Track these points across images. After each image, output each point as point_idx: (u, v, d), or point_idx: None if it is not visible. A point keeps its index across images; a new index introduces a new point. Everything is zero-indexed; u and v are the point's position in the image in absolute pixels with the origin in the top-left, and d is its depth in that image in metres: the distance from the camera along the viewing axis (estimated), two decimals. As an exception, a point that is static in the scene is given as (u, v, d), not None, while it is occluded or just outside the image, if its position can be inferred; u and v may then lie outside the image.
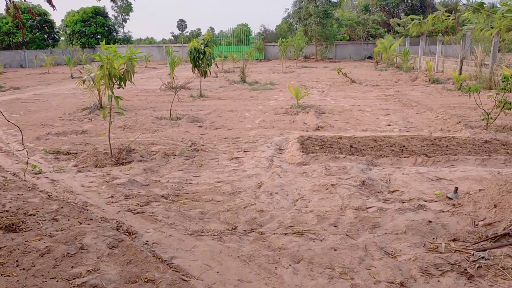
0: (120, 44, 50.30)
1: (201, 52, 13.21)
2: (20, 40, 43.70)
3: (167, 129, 8.85)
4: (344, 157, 6.35)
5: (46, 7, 51.40)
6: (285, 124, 9.39)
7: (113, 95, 6.44)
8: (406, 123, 9.19)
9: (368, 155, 6.50)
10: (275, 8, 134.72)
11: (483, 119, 8.21)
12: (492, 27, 4.73)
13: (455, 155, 6.39)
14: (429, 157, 6.28)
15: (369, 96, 13.68)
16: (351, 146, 7.08)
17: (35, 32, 45.30)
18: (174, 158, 6.66)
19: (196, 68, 13.42)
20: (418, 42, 29.93)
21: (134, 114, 10.64)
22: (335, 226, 4.08)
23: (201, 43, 13.29)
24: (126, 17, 53.40)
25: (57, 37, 48.65)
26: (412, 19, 5.56)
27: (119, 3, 52.77)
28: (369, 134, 8.05)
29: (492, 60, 14.96)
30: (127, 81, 6.75)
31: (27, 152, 6.25)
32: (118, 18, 53.62)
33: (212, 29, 73.96)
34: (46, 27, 46.51)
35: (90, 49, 47.44)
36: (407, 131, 8.30)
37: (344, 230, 4.00)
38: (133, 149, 7.01)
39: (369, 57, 41.72)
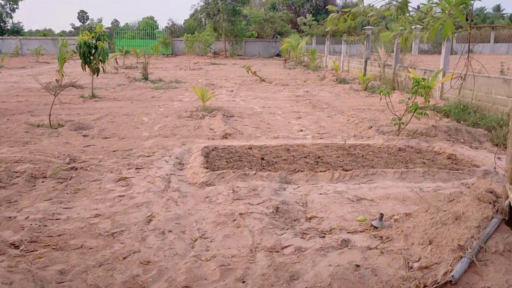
0: (8, 35, 45.17)
1: (92, 46, 11.56)
2: None
3: (43, 140, 7.28)
4: (255, 173, 5.45)
5: None
6: (189, 130, 8.30)
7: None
8: (318, 127, 8.58)
9: (281, 169, 5.68)
10: (184, 2, 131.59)
11: (394, 124, 7.85)
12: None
13: (372, 167, 5.82)
14: (346, 170, 5.62)
15: (279, 97, 13.06)
16: (262, 159, 6.21)
17: None
18: (43, 182, 5.25)
19: (86, 65, 11.74)
20: (324, 41, 30.45)
21: (6, 121, 8.81)
22: (243, 282, 3.12)
23: (92, 37, 11.64)
24: (15, 6, 47.98)
25: None
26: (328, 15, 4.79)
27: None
28: (281, 142, 7.27)
29: (395, 61, 15.19)
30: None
31: None
32: (6, 7, 48.06)
33: (116, 21, 69.92)
34: None
35: (-30, 39, 41.87)
36: (321, 137, 7.67)
37: (255, 287, 3.06)
38: (-12, 171, 5.45)
39: (278, 55, 41.91)
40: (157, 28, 44.53)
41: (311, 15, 44.48)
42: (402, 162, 6.09)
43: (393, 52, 17.23)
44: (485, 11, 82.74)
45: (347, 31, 40.15)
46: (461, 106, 9.79)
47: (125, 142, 7.32)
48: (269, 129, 8.54)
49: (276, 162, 6.06)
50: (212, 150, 6.75)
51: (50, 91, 8.34)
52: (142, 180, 5.39)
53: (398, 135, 7.67)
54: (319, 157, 6.29)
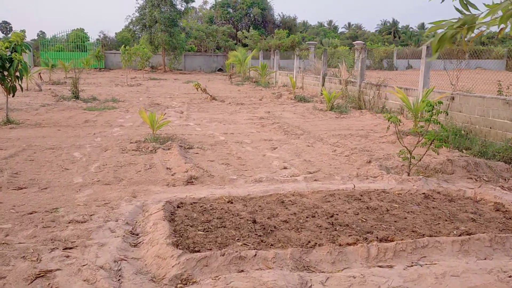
0: None
1: (6, 59, 9.10)
2: None
3: None
4: (255, 254, 3.57)
5: None
6: (138, 172, 6.23)
7: None
8: (304, 163, 6.86)
9: (289, 242, 3.86)
10: (115, 14, 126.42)
11: (403, 159, 6.29)
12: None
13: (413, 231, 4.18)
14: (384, 241, 3.91)
15: (239, 119, 11.24)
16: (254, 221, 4.34)
17: None
18: None
19: (-2, 83, 9.24)
20: (269, 56, 29.20)
21: None
22: None
23: (6, 47, 9.19)
24: None
25: None
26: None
27: None
28: (268, 189, 5.44)
29: (361, 78, 13.98)
30: None
31: None
32: None
33: (42, 33, 64.92)
34: None
35: None
36: (315, 179, 5.93)
37: None
38: None
39: (220, 70, 40.25)
40: (88, 40, 41.17)
41: (254, 28, 43.41)
42: (445, 220, 4.49)
43: (351, 67, 16.15)
44: (410, 29, 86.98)
45: (290, 45, 39.56)
46: (454, 131, 8.57)
47: (49, 196, 5.12)
48: (243, 166, 6.68)
49: (275, 227, 4.21)
50: (178, 207, 4.78)
51: None
52: (74, 275, 3.32)
53: (408, 174, 6.13)
54: (331, 215, 4.53)
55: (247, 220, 4.38)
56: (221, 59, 41.09)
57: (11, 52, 9.22)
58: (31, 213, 4.55)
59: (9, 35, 65.04)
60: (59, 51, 38.63)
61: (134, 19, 35.39)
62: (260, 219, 4.42)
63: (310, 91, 18.34)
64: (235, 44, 41.89)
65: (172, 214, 4.54)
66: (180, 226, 4.20)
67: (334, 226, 4.28)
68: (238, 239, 3.91)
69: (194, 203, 4.90)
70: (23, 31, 52.26)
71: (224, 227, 4.20)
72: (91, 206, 4.81)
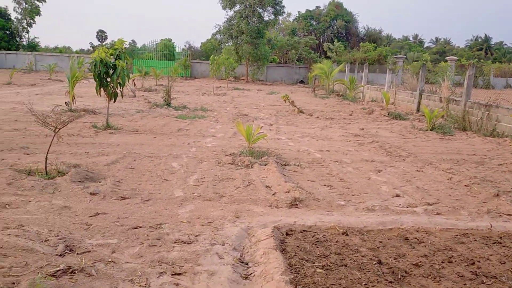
0: (24, 51, 43.87)
1: (110, 66, 9.34)
2: None
3: (30, 202, 4.91)
4: (391, 307, 2.99)
5: None
6: (237, 188, 5.89)
7: None
8: (418, 191, 6.10)
9: (428, 293, 3.23)
10: (201, 25, 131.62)
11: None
12: None
13: None
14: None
15: (332, 135, 10.65)
16: (380, 262, 3.75)
17: None
18: (7, 313, 2.86)
19: (102, 89, 9.50)
20: (354, 69, 28.25)
21: (-13, 161, 6.50)
22: None
23: (111, 54, 9.44)
24: (31, 21, 46.80)
25: None
26: None
27: (24, 5, 46.19)
28: (383, 220, 4.82)
29: (466, 96, 12.77)
30: None
31: None
32: (23, 22, 46.89)
33: (134, 42, 69.00)
34: None
35: (-15, 53, 40.54)
36: (438, 213, 5.19)
37: None
38: None
39: (301, 81, 39.86)
40: (175, 49, 42.86)
41: (338, 41, 42.56)
42: None
43: (464, 85, 14.90)
44: (504, 45, 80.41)
45: (376, 59, 38.13)
46: None
47: (151, 209, 4.92)
48: (349, 190, 6.09)
49: (406, 272, 3.59)
50: (287, 234, 4.32)
51: (49, 126, 6.00)
52: (188, 310, 2.97)
53: (551, 214, 5.18)
54: (471, 262, 3.81)
55: (370, 259, 3.80)
56: (302, 71, 40.73)
57: (115, 59, 9.46)
58: (135, 228, 4.34)
59: (105, 43, 69.87)
60: (149, 59, 40.57)
61: (221, 28, 36.18)
62: (386, 259, 3.82)
63: (404, 107, 17.25)
64: (318, 56, 41.29)
65: (282, 243, 4.09)
66: (294, 259, 3.72)
67: (479, 277, 3.56)
68: (365, 284, 3.35)
69: (304, 231, 4.41)
70: (133, 40, 55.60)
71: (346, 266, 3.66)
72: (195, 225, 4.51)
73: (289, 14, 58.48)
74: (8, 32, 43.72)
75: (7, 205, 4.75)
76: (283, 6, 36.06)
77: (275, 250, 3.83)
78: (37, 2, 46.39)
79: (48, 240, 3.88)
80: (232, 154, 7.76)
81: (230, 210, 5.02)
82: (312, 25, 53.24)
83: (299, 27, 52.46)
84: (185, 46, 45.73)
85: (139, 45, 51.91)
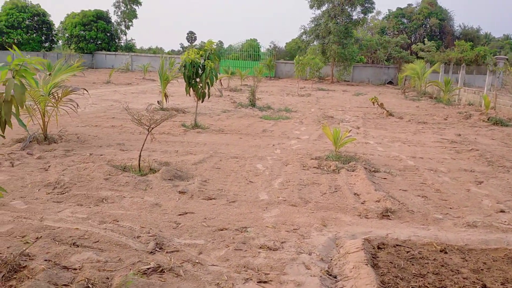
0: (122, 51, 47.17)
1: (199, 67, 9.60)
2: (14, 40, 40.50)
3: (124, 197, 5.14)
4: None
5: (45, 6, 48.28)
6: (324, 194, 5.69)
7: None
8: (527, 208, 5.45)
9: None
10: (286, 25, 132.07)
11: None
12: None
13: None
14: None
15: (425, 141, 9.98)
16: (484, 286, 3.36)
17: (31, 33, 42.10)
18: (101, 307, 2.96)
19: (191, 89, 9.79)
20: (449, 70, 26.47)
21: (88, 156, 6.95)
22: None
23: (201, 55, 9.69)
24: (129, 23, 50.17)
25: (55, 39, 45.45)
26: None
27: (122, 8, 49.67)
28: (486, 238, 4.35)
29: None
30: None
31: None
32: (121, 24, 50.44)
33: (221, 42, 71.13)
34: (44, 28, 43.34)
35: (88, 54, 44.24)
36: (553, 235, 4.58)
37: None
38: (25, 266, 3.30)
39: (390, 82, 38.28)
40: (260, 50, 43.37)
41: (429, 40, 40.22)
42: None
43: None
44: None
45: (474, 59, 35.46)
46: None
47: (237, 211, 4.90)
48: (446, 202, 5.61)
49: (520, 302, 3.17)
50: (379, 248, 4.05)
51: (143, 126, 6.27)
52: (274, 323, 2.85)
53: None
54: None
55: (473, 282, 3.42)
56: (392, 71, 39.11)
57: (204, 60, 9.69)
58: (221, 230, 4.33)
59: (194, 44, 72.82)
60: (235, 59, 41.49)
61: (308, 29, 35.92)
62: (491, 283, 3.42)
63: (506, 113, 15.76)
64: (409, 55, 39.35)
65: (373, 257, 3.83)
66: (387, 276, 3.46)
67: None
68: (471, 312, 3.00)
69: (398, 245, 4.11)
70: (220, 41, 57.57)
71: (444, 287, 3.32)
72: (280, 231, 4.40)
73: (378, 13, 56.50)
74: (108, 34, 47.21)
75: (104, 200, 5.01)
76: (373, 4, 34.83)
77: (366, 264, 3.59)
78: (134, 6, 49.60)
79: (140, 236, 4.00)
80: (317, 158, 7.56)
81: (316, 217, 4.84)
82: (403, 24, 50.90)
83: (389, 26, 50.42)
84: (270, 46, 46.03)
85: (225, 45, 53.33)
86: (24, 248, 3.56)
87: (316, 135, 10.08)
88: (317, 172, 6.79)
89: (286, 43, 53.71)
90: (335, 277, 3.59)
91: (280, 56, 46.13)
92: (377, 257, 3.85)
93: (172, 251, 3.79)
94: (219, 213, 4.80)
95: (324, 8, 34.16)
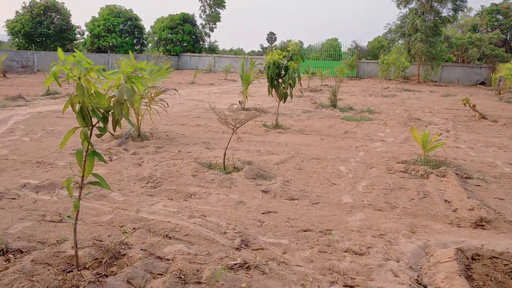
0: (205, 53, 48.93)
1: (282, 67, 9.67)
2: (109, 43, 43.73)
3: (211, 194, 5.34)
4: None
5: (137, 11, 51.49)
6: (411, 200, 5.46)
7: (87, 150, 3.07)
8: None
9: None
10: (368, 24, 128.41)
11: None
12: None
13: None
14: None
15: (525, 147, 9.18)
16: None
17: (125, 37, 45.15)
18: (192, 297, 3.11)
19: (273, 89, 9.90)
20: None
21: (176, 153, 7.32)
22: None
23: (284, 56, 9.76)
24: (213, 26, 51.90)
25: (145, 42, 48.31)
26: None
27: (208, 12, 51.51)
28: None
29: None
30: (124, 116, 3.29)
31: None
32: (206, 27, 52.33)
33: (301, 42, 71.07)
34: (136, 32, 46.26)
35: (174, 56, 46.46)
36: None
37: None
38: (124, 254, 3.56)
39: (482, 83, 35.66)
40: (341, 49, 42.61)
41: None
42: None
43: None
44: None
45: None
46: None
47: (320, 213, 4.87)
48: (551, 214, 5.12)
49: None
50: (473, 259, 3.80)
51: (228, 125, 6.47)
52: (362, 329, 2.80)
53: None
54: None
55: None
56: (484, 71, 36.43)
57: (288, 61, 9.75)
58: (305, 231, 4.34)
59: (274, 44, 73.37)
60: (315, 59, 41.20)
61: (393, 27, 34.64)
62: None
63: None
64: (504, 52, 36.36)
65: (467, 268, 3.61)
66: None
67: None
68: None
69: (494, 257, 3.83)
70: (289, 40, 57.81)
71: (553, 309, 3.03)
72: (366, 235, 4.29)
73: (469, 9, 52.99)
74: (193, 37, 49.22)
75: (192, 195, 5.24)
76: (465, 1, 32.64)
77: (460, 276, 3.39)
78: (218, 9, 51.22)
79: (226, 232, 4.13)
80: (404, 162, 7.27)
81: (404, 223, 4.66)
82: (498, 20, 47.20)
83: (482, 23, 47.03)
84: (351, 45, 45.17)
85: (305, 45, 53.17)
86: (123, 238, 3.85)
87: (402, 138, 9.70)
88: (404, 176, 6.53)
89: (369, 42, 52.35)
90: (425, 287, 3.43)
91: (362, 55, 45.03)
92: (471, 268, 3.62)
93: (257, 249, 3.87)
94: (302, 214, 4.81)
95: (412, 5, 32.69)
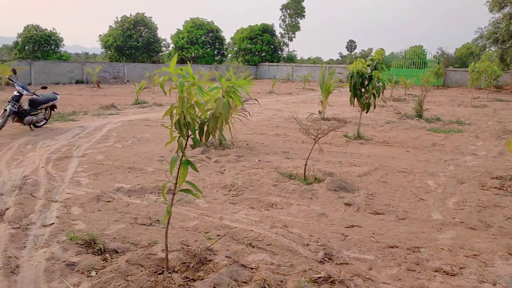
0: (283, 62, 49.35)
1: (365, 77, 9.44)
2: (192, 54, 45.74)
3: (292, 204, 5.32)
4: None
5: (218, 23, 53.36)
6: (508, 220, 5.01)
7: (182, 159, 3.22)
8: None
9: None
10: (456, 30, 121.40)
11: None
12: None
13: None
14: None
15: None
16: None
17: (206, 48, 47.00)
18: (276, 309, 3.10)
19: (356, 99, 9.69)
20: None
21: (257, 162, 7.41)
22: None
23: (368, 65, 9.53)
24: (293, 35, 52.24)
25: (225, 53, 49.86)
26: None
27: (287, 22, 51.99)
28: None
29: None
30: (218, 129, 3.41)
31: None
32: (285, 36, 52.82)
33: (382, 50, 69.06)
34: (217, 43, 47.96)
35: (253, 66, 47.39)
36: None
37: None
38: (210, 260, 3.66)
39: None
40: (425, 57, 40.69)
41: None
42: None
43: None
44: None
45: None
46: None
47: (407, 229, 4.64)
48: None
49: None
50: None
51: (310, 135, 6.43)
52: None
53: None
54: None
55: None
56: None
57: (371, 70, 9.50)
58: (392, 247, 4.16)
59: (354, 52, 72.06)
60: (398, 67, 39.75)
61: (485, 32, 32.44)
62: None
63: None
64: None
65: None
66: None
67: None
68: None
69: None
70: (370, 50, 56.66)
71: None
72: (458, 255, 4.02)
73: None
74: (272, 47, 49.93)
75: (273, 205, 5.27)
76: None
77: None
78: (298, 19, 51.51)
79: (309, 244, 4.09)
80: (499, 178, 6.73)
81: (500, 244, 4.29)
82: None
83: None
84: (437, 52, 43.01)
85: (387, 53, 51.62)
86: (208, 244, 3.96)
87: (495, 152, 9.00)
88: (498, 193, 6.04)
89: (456, 48, 49.53)
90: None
91: (449, 63, 42.66)
92: None
93: (341, 263, 3.78)
94: (388, 230, 4.62)
95: (506, 10, 30.36)
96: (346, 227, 4.65)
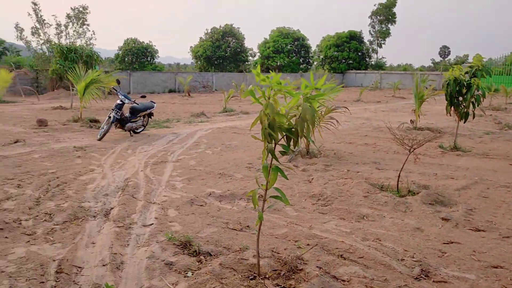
0: (371, 70, 48.09)
1: (463, 85, 8.88)
2: (277, 63, 46.32)
3: (384, 217, 5.14)
4: None
5: (304, 31, 53.46)
6: None
7: (271, 164, 3.31)
8: None
9: None
10: None
11: None
12: None
13: None
14: None
15: None
16: None
17: (291, 56, 47.32)
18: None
19: (452, 108, 9.14)
20: None
21: (345, 172, 7.28)
22: None
23: (466, 72, 8.96)
24: (382, 42, 50.71)
25: (310, 61, 49.79)
26: None
27: (377, 28, 50.63)
28: None
29: None
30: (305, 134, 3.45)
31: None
32: (373, 43, 51.45)
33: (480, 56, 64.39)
34: (302, 52, 48.09)
35: (339, 74, 46.75)
36: None
37: None
38: (301, 269, 3.66)
39: None
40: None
41: None
42: None
43: None
44: None
45: None
46: None
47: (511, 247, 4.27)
48: None
49: None
50: None
51: (405, 146, 6.18)
52: None
53: None
54: None
55: None
56: None
57: (470, 77, 8.91)
58: (495, 267, 3.84)
59: (448, 59, 68.07)
60: (497, 75, 36.76)
61: None
62: None
63: None
64: None
65: None
66: None
67: None
68: None
69: None
70: (466, 56, 53.29)
71: None
72: None
73: None
74: (359, 54, 48.87)
75: (364, 217, 5.13)
76: None
77: None
78: (388, 25, 49.94)
79: (404, 260, 3.93)
80: None
81: None
82: None
83: None
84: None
85: (485, 59, 48.04)
86: (298, 253, 3.97)
87: None
88: None
89: None
90: None
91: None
92: None
93: (439, 281, 3.57)
94: (490, 248, 4.28)
95: None
96: (444, 243, 4.39)
